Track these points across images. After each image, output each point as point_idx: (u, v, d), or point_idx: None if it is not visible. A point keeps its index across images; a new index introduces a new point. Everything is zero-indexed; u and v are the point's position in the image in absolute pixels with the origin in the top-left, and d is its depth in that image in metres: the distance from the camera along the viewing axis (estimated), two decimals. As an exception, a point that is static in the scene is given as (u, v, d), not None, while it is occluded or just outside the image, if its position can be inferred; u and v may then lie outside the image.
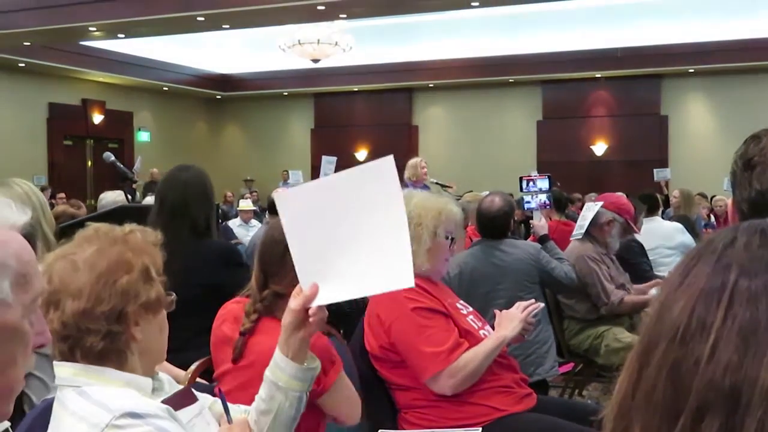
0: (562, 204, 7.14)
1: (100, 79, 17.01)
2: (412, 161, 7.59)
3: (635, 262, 5.71)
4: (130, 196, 5.44)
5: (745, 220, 1.60)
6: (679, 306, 0.65)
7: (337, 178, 1.60)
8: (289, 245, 1.59)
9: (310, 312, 1.60)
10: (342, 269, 1.55)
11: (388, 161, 1.53)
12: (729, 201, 1.66)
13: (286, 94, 19.57)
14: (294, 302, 1.60)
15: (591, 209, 4.66)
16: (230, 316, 2.27)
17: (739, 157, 1.71)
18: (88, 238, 1.51)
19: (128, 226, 1.57)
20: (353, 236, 1.54)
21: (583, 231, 4.61)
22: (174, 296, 1.61)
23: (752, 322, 0.61)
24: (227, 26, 13.04)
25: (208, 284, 3.00)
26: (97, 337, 1.45)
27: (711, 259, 0.66)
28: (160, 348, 1.58)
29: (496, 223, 4.13)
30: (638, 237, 5.73)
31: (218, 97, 19.98)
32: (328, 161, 8.62)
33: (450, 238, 2.73)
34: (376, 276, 1.53)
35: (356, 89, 18.86)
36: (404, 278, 1.51)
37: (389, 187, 1.53)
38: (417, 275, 2.49)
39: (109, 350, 1.47)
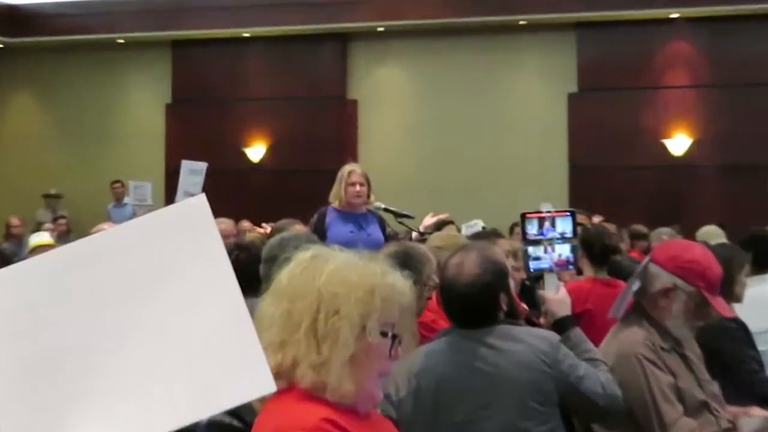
0: (598, 251, 6.12)
1: None
2: (339, 173, 6.86)
3: (734, 359, 4.77)
4: None
5: None
6: None
7: (105, 238, 1.41)
8: None
9: None
10: (133, 390, 1.33)
11: (200, 202, 1.42)
12: None
13: (121, 41, 15.90)
14: None
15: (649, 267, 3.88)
16: None
17: None
18: None
19: None
20: (145, 335, 1.35)
21: (621, 306, 3.87)
22: None
23: None
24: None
25: None
26: None
27: None
28: None
29: (473, 304, 3.38)
30: (739, 310, 4.88)
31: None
32: (192, 170, 8.15)
33: (390, 335, 2.21)
34: (204, 390, 1.34)
35: (248, 35, 15.34)
36: (258, 381, 1.36)
37: (204, 245, 1.38)
38: (334, 405, 2.20)
39: None
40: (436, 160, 15.19)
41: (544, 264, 4.37)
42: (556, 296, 4.00)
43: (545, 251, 4.38)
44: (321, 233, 6.50)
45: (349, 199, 6.66)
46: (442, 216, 7.43)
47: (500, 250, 4.07)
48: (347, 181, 6.69)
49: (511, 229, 9.67)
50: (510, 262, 4.12)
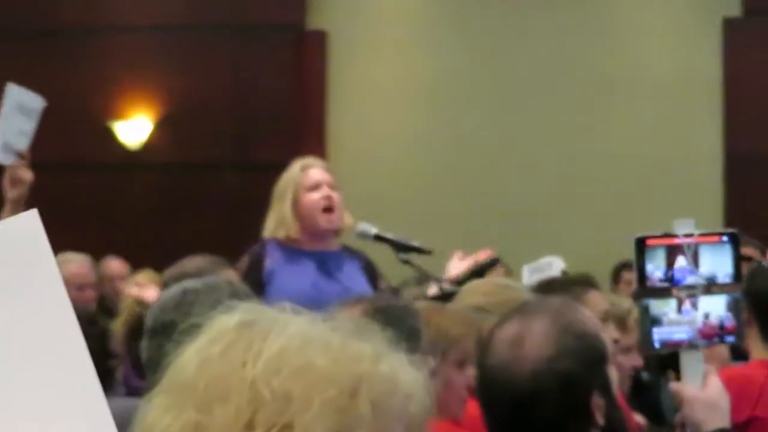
0: None
1: None
2: (286, 175, 7.48)
3: None
4: None
5: None
6: None
7: None
8: None
9: None
10: None
11: (29, 222, 1.64)
12: None
13: None
14: None
15: None
16: None
17: None
18: None
19: None
20: None
21: None
22: None
23: None
24: None
25: None
26: None
27: None
28: None
29: (540, 412, 3.61)
30: None
31: None
32: (21, 105, 7.79)
33: None
34: None
35: None
36: None
37: (32, 304, 1.58)
38: None
39: None
40: (472, 148, 16.34)
41: (678, 335, 4.44)
42: (703, 393, 4.08)
43: (680, 310, 4.45)
44: (257, 289, 6.54)
45: (311, 219, 6.78)
46: (481, 256, 7.62)
47: (593, 312, 4.21)
48: (303, 185, 6.84)
49: (616, 274, 11.05)
50: (611, 335, 4.33)
